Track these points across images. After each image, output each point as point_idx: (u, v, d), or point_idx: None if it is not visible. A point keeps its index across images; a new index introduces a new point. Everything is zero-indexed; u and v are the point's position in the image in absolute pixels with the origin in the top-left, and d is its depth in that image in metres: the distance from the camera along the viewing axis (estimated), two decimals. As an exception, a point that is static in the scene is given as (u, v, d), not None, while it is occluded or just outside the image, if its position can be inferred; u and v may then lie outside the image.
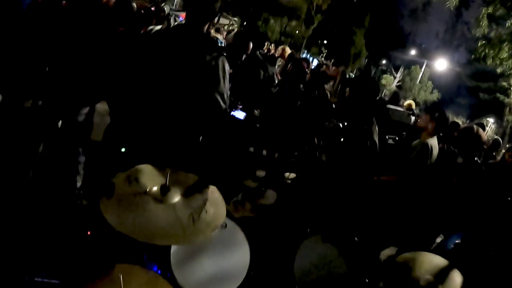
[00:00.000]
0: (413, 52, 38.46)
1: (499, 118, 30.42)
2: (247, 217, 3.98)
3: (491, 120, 30.89)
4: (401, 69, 36.68)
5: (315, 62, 18.02)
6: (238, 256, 2.36)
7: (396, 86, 33.22)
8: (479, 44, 17.86)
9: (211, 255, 2.29)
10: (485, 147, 6.00)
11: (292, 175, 4.86)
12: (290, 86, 5.46)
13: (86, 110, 3.72)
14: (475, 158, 4.23)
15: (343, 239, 2.66)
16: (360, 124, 3.49)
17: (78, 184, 3.81)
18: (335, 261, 2.57)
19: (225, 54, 2.94)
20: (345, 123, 3.89)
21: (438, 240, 4.43)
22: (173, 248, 2.21)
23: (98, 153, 3.66)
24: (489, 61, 17.58)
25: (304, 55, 28.30)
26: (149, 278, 2.00)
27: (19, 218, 3.05)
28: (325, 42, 37.22)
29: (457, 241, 4.05)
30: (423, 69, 35.96)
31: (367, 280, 2.49)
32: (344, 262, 2.56)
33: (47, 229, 3.02)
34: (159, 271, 2.22)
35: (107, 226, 1.89)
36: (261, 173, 5.83)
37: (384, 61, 39.95)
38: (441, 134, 4.55)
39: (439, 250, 4.00)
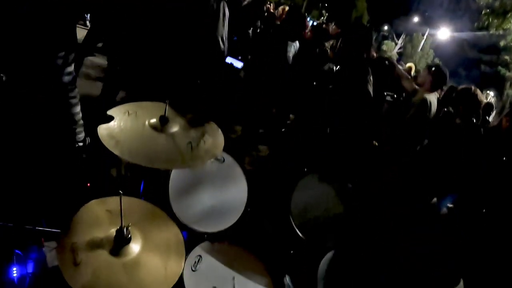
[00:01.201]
0: (416, 19, 37.79)
1: (499, 92, 30.34)
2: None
3: (491, 93, 30.77)
4: (402, 36, 36.16)
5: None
6: (236, 191, 2.41)
7: (397, 53, 32.86)
8: (483, 13, 17.68)
9: (209, 189, 2.33)
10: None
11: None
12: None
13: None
14: (473, 120, 4.26)
15: (340, 180, 2.69)
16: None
17: (79, 136, 3.84)
18: (332, 200, 2.62)
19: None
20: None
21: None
22: (171, 183, 2.25)
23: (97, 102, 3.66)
24: (493, 30, 17.45)
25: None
26: (148, 209, 2.07)
27: (20, 169, 3.08)
28: (326, 4, 36.36)
29: (449, 205, 4.12)
30: (425, 37, 35.46)
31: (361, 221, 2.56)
32: (341, 203, 2.60)
33: (47, 180, 3.06)
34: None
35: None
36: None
37: (386, 27, 39.27)
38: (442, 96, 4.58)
39: (432, 212, 4.08)
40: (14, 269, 2.23)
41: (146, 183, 2.49)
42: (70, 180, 3.11)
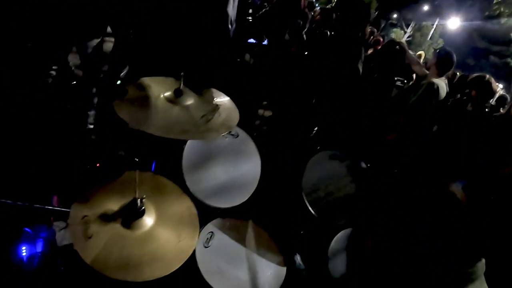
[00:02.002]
0: (425, 8, 37.35)
1: (508, 83, 30.05)
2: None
3: (500, 85, 30.47)
4: (412, 24, 35.80)
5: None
6: (249, 167, 2.39)
7: (406, 41, 32.57)
8: (494, 2, 17.51)
9: (222, 164, 2.32)
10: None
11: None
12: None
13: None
14: (485, 108, 4.23)
15: (352, 158, 2.67)
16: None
17: (90, 118, 3.83)
18: (343, 179, 2.60)
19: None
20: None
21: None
22: (185, 157, 2.22)
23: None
24: (504, 20, 17.31)
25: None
26: (161, 183, 2.05)
27: (30, 149, 3.08)
28: (334, -10, 35.94)
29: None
30: (434, 26, 35.10)
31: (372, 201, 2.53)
32: (352, 181, 2.58)
33: (58, 160, 3.06)
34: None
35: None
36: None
37: (395, 15, 38.86)
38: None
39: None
40: (24, 248, 2.24)
41: (158, 160, 2.46)
42: (80, 160, 3.12)
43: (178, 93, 1.98)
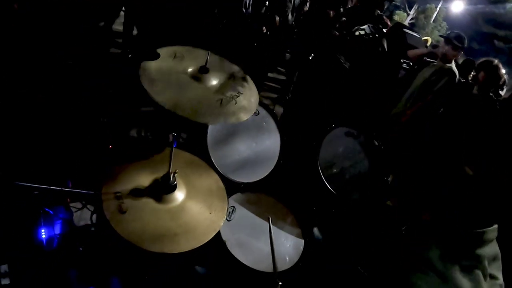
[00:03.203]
0: (429, -11, 36.81)
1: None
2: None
3: (503, 70, 30.10)
4: (415, 7, 35.33)
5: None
6: (270, 143, 2.45)
7: (409, 23, 32.19)
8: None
9: (245, 140, 2.38)
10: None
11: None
12: None
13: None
14: (490, 93, 4.27)
15: (366, 135, 2.73)
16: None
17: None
18: (358, 155, 2.67)
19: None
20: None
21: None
22: (209, 133, 2.29)
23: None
24: (510, 5, 17.15)
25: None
26: (191, 159, 2.13)
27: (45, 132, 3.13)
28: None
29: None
30: (438, 8, 34.64)
31: (385, 178, 2.60)
32: (366, 157, 2.65)
33: (72, 142, 3.12)
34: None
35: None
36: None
37: (399, -3, 38.36)
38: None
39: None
40: (43, 231, 2.30)
41: (178, 137, 2.52)
42: (92, 142, 3.17)
43: (203, 70, 2.01)
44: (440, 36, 5.28)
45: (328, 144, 2.69)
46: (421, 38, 7.86)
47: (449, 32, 5.13)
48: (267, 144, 2.46)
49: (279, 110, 5.01)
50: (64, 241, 2.39)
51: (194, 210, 1.84)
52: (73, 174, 2.71)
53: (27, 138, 3.04)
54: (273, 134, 2.50)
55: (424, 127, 4.08)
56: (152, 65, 1.91)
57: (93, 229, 2.47)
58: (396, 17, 34.09)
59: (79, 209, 2.61)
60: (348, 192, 2.64)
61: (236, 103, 2.00)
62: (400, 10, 38.33)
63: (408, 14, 35.96)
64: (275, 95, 6.02)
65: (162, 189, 1.82)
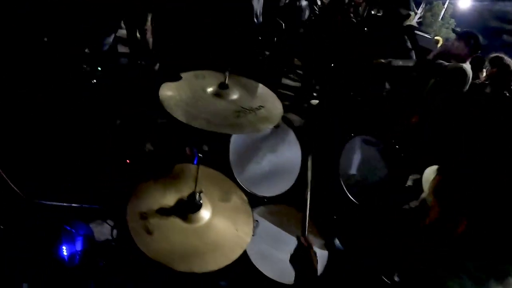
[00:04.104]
0: (435, -13, 36.58)
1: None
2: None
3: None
4: (422, 5, 35.13)
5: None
6: (291, 155, 2.44)
7: (417, 23, 32.02)
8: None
9: (266, 154, 2.38)
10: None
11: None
12: None
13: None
14: (504, 91, 4.21)
15: (385, 144, 2.72)
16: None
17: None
18: (378, 163, 2.66)
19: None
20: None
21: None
22: (231, 147, 2.29)
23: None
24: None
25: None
26: (214, 174, 2.14)
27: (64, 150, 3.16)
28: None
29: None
30: (445, 5, 34.41)
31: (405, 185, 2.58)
32: (385, 166, 2.64)
33: (90, 158, 3.14)
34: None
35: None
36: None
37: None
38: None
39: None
40: (64, 247, 2.31)
41: (199, 152, 2.53)
42: (109, 156, 3.19)
43: (223, 87, 1.99)
44: (453, 31, 5.16)
45: (347, 153, 2.68)
46: (432, 39, 7.78)
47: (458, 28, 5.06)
48: (288, 156, 2.47)
49: (293, 118, 5.01)
50: (85, 257, 2.40)
51: (220, 228, 1.85)
52: (92, 188, 2.73)
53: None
54: (293, 146, 2.50)
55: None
56: (174, 86, 1.91)
57: (113, 243, 2.48)
58: (403, 17, 33.90)
59: (100, 224, 2.63)
60: (370, 201, 2.62)
61: (256, 115, 1.95)
62: (407, 9, 38.39)
63: (415, 13, 35.88)
64: (287, 102, 6.02)
65: (188, 208, 1.82)
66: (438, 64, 4.38)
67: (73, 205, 2.51)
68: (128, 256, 2.33)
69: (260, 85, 2.17)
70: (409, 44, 3.73)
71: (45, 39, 3.34)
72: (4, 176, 2.35)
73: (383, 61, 3.66)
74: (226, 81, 1.97)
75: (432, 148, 3.53)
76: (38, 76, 3.40)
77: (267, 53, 4.52)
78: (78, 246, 2.38)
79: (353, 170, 2.67)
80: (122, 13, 3.58)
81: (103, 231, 2.64)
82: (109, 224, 2.55)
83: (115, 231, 2.43)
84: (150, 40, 4.41)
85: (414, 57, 3.80)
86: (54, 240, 2.33)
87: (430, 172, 2.19)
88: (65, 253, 2.31)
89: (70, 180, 2.88)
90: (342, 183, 2.59)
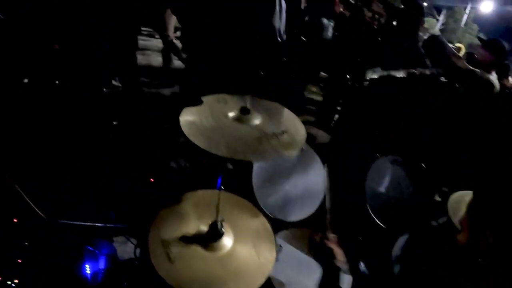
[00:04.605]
0: (455, -8, 36.08)
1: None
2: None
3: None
4: (443, 11, 34.68)
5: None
6: (315, 179, 2.40)
7: (439, 30, 31.59)
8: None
9: (290, 178, 2.34)
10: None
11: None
12: None
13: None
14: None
15: (411, 162, 2.66)
16: None
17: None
18: (403, 182, 2.59)
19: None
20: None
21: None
22: (254, 172, 2.26)
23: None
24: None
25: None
26: (237, 200, 2.12)
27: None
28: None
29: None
30: (467, 10, 33.87)
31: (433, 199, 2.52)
32: (412, 184, 2.58)
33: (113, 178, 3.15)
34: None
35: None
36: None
37: (425, 4, 37.77)
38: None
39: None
40: (87, 266, 2.33)
41: (224, 175, 2.51)
42: (133, 176, 3.20)
43: (244, 111, 1.97)
44: (478, 38, 4.99)
45: (374, 174, 2.63)
46: (455, 47, 7.62)
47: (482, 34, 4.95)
48: (312, 179, 2.43)
49: (318, 133, 4.97)
50: (108, 276, 2.40)
51: (242, 255, 1.82)
52: (116, 206, 2.75)
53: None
54: (317, 168, 2.45)
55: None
56: (195, 111, 1.89)
57: (136, 263, 2.48)
58: (426, 25, 33.46)
59: (123, 243, 2.63)
60: (396, 223, 2.56)
61: (279, 141, 1.91)
62: (429, 17, 37.72)
63: (437, 20, 35.35)
64: (312, 118, 5.98)
65: (209, 237, 1.80)
66: (468, 72, 4.27)
67: (97, 224, 2.53)
68: (151, 276, 2.32)
69: (283, 108, 2.13)
70: (422, 51, 3.66)
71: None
72: (26, 198, 2.38)
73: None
74: (248, 106, 1.95)
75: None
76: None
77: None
78: (101, 265, 2.41)
79: (380, 192, 2.61)
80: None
81: (126, 249, 2.66)
82: (132, 243, 2.56)
83: (138, 250, 2.42)
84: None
85: (428, 63, 3.70)
86: (77, 258, 2.35)
87: (458, 198, 2.13)
88: (88, 272, 2.34)
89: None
90: (368, 206, 2.53)
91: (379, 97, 3.83)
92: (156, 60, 6.62)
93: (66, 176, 3.10)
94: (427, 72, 3.72)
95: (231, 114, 1.95)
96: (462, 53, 8.40)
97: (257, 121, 1.96)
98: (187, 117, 1.83)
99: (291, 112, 2.11)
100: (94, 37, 3.56)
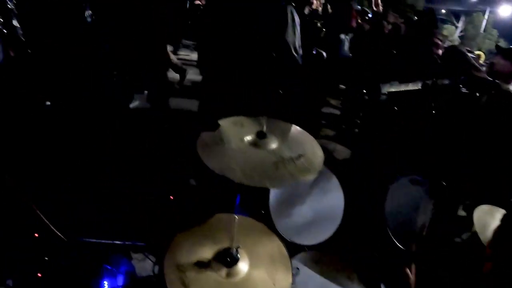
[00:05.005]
0: (473, -3, 35.55)
1: None
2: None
3: None
4: (462, 18, 34.24)
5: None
6: (333, 201, 2.38)
7: (459, 37, 31.18)
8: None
9: (307, 200, 2.32)
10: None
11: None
12: None
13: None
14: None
15: (431, 181, 2.62)
16: None
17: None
18: (423, 202, 2.55)
19: (293, 4, 2.92)
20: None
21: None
22: (271, 195, 2.24)
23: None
24: None
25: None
26: (248, 223, 2.07)
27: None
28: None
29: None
30: (486, 16, 33.35)
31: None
32: (432, 204, 2.53)
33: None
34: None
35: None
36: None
37: (443, 11, 37.19)
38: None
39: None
40: (105, 283, 2.32)
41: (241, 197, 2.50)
42: (151, 193, 3.22)
43: (261, 136, 1.96)
44: (496, 47, 4.85)
45: (393, 195, 2.59)
46: (475, 56, 7.47)
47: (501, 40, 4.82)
48: (330, 201, 2.40)
49: (336, 147, 4.94)
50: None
51: (257, 281, 1.79)
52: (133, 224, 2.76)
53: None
54: (335, 192, 2.42)
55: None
56: (211, 136, 1.89)
57: (155, 280, 2.48)
58: (445, 32, 32.98)
59: (141, 260, 2.63)
60: (417, 245, 2.51)
61: (296, 166, 1.90)
62: (448, 24, 37.06)
63: (456, 27, 34.82)
64: (332, 132, 5.93)
65: (225, 263, 1.78)
66: (489, 82, 4.15)
67: (116, 242, 2.55)
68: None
69: (299, 130, 2.11)
70: (437, 58, 3.63)
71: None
72: (45, 220, 2.40)
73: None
74: (264, 129, 1.94)
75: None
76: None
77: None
78: (120, 282, 2.41)
79: (399, 213, 2.57)
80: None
81: (145, 266, 2.66)
82: (151, 260, 2.56)
83: (156, 267, 2.42)
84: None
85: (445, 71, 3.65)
86: (96, 274, 2.35)
87: (484, 212, 2.08)
88: (106, 288, 2.34)
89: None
90: (388, 228, 2.49)
91: (398, 110, 3.79)
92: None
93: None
94: (446, 82, 3.65)
95: (247, 138, 1.94)
96: (482, 60, 8.21)
97: (273, 145, 1.95)
98: (204, 141, 1.83)
99: (308, 133, 2.08)
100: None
